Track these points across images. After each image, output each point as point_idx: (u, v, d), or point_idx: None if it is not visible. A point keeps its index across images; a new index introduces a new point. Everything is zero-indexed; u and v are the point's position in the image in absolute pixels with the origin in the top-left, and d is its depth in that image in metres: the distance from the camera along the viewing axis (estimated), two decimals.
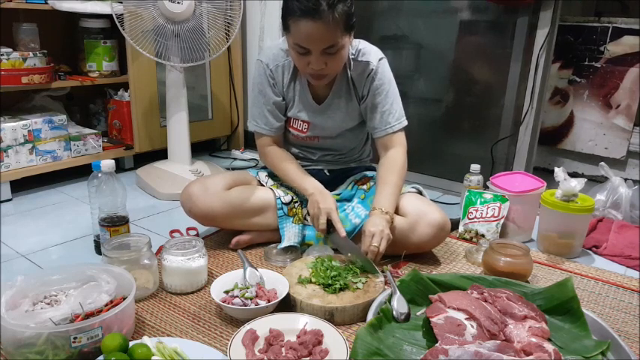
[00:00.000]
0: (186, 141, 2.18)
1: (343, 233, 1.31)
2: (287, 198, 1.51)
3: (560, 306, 1.11)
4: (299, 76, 1.47)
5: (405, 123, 1.49)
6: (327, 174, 1.61)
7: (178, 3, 1.89)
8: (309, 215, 1.43)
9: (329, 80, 1.41)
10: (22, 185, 2.03)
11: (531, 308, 1.06)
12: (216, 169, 2.28)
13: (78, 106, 2.51)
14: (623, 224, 1.70)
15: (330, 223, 1.34)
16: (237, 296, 1.16)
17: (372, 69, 1.43)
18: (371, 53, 1.45)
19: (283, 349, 0.99)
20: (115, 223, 1.38)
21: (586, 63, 2.16)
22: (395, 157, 1.46)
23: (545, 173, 2.22)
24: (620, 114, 2.12)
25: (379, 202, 1.36)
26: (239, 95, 2.75)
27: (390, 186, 1.40)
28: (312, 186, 1.43)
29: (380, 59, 1.45)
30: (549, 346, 0.94)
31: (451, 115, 2.30)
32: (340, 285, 1.19)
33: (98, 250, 1.48)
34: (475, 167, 1.78)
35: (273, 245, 1.49)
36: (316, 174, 1.56)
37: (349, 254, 1.32)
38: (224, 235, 1.59)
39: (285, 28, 1.31)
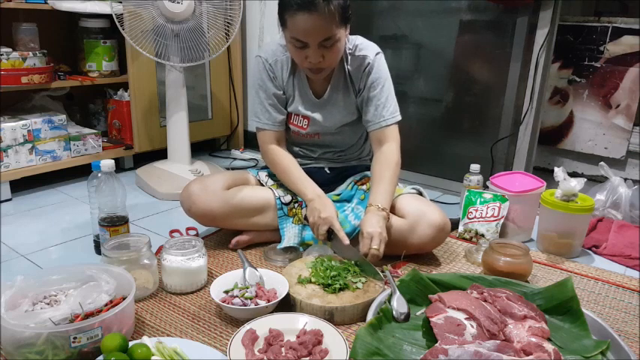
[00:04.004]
0: (185, 141, 2.18)
1: (347, 241, 1.29)
2: (287, 198, 1.51)
3: (560, 306, 1.11)
4: (298, 71, 1.48)
5: (399, 118, 1.49)
6: (328, 172, 1.61)
7: (178, 3, 1.89)
8: (307, 221, 1.42)
9: (327, 73, 1.43)
10: (22, 185, 2.03)
11: (531, 308, 1.06)
12: (215, 169, 2.28)
13: (77, 106, 2.51)
14: (623, 224, 1.70)
15: (330, 230, 1.33)
16: (236, 296, 1.16)
17: (369, 63, 1.45)
18: (368, 48, 1.47)
19: (283, 349, 0.99)
20: (115, 223, 1.38)
21: (586, 63, 2.16)
22: (389, 152, 1.46)
23: (545, 173, 2.22)
24: (620, 114, 2.11)
25: (375, 199, 1.36)
26: (239, 95, 2.75)
27: (385, 182, 1.40)
28: (311, 191, 1.42)
29: (377, 54, 1.46)
30: (549, 346, 0.94)
31: (451, 115, 2.30)
32: (340, 285, 1.19)
33: (98, 250, 1.48)
34: (475, 167, 1.78)
35: (273, 245, 1.49)
36: (317, 172, 1.56)
37: (352, 261, 1.30)
38: (224, 235, 1.59)
39: (282, 23, 1.32)
